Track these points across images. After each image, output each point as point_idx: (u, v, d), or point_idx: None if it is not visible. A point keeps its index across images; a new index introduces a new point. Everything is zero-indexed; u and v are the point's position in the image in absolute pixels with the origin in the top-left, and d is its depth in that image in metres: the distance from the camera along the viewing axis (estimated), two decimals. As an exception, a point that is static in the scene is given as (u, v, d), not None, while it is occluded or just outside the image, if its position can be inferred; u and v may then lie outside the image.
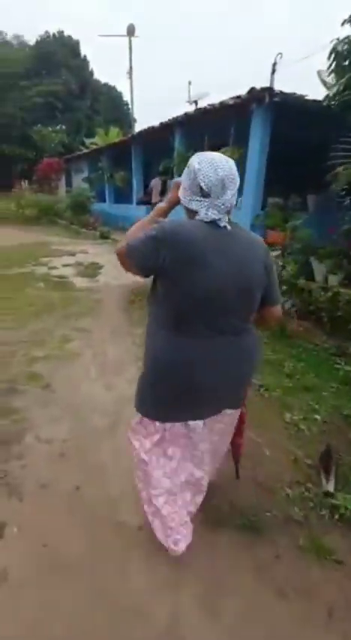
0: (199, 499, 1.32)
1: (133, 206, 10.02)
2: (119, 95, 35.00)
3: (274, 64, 7.32)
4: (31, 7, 44.75)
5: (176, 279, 0.97)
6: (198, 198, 0.98)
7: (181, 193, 1.05)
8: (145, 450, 1.21)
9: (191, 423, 1.15)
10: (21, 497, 1.62)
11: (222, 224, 0.98)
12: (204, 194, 0.96)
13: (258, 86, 4.78)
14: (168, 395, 1.11)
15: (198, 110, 6.00)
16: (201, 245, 0.95)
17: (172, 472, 1.22)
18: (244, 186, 5.81)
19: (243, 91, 5.00)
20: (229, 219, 1.01)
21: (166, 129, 7.38)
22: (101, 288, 5.15)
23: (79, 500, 1.62)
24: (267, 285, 1.09)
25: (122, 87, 33.90)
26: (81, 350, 3.18)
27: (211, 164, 0.95)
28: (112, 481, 1.73)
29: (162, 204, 1.15)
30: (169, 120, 7.04)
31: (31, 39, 28.21)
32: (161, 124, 7.30)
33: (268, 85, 5.67)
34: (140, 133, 8.31)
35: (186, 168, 1.01)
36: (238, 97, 5.16)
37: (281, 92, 4.75)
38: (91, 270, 6.00)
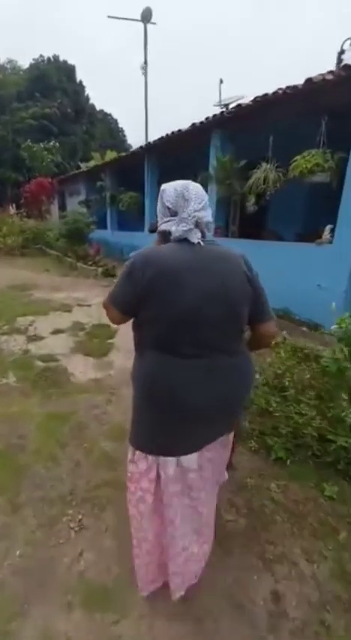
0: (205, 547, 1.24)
1: (144, 234, 7.94)
2: (115, 122, 34.38)
3: (341, 53, 5.57)
4: (27, 34, 44.59)
5: (156, 302, 0.94)
6: (167, 218, 1.02)
7: (158, 224, 1.07)
8: (143, 490, 1.09)
9: (184, 459, 1.04)
10: None
11: (194, 240, 0.96)
12: (172, 213, 1.01)
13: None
14: (158, 418, 1.01)
15: (261, 99, 4.02)
16: (175, 264, 0.94)
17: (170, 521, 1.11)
18: (341, 210, 3.73)
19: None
20: (202, 235, 0.99)
21: (200, 134, 5.41)
22: (118, 382, 2.84)
23: None
24: (254, 299, 1.03)
25: (118, 114, 33.25)
26: None
27: (171, 185, 1.03)
28: None
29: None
30: (206, 119, 5.07)
31: (26, 64, 27.33)
32: (194, 125, 5.32)
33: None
34: (158, 141, 6.35)
35: (158, 200, 1.06)
36: (349, 66, 3.17)
37: None
38: (98, 340, 3.69)
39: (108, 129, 32.77)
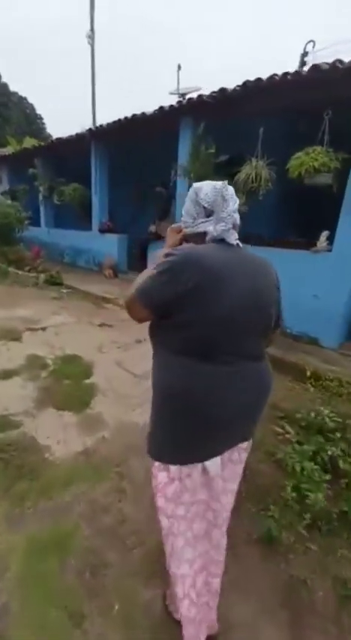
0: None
1: (93, 233, 6.81)
2: (31, 107, 31.00)
3: (304, 54, 5.44)
4: None
5: (197, 304, 0.87)
6: (203, 219, 0.98)
7: (185, 225, 1.04)
8: (167, 501, 1.01)
9: (208, 464, 0.98)
10: None
11: (232, 241, 0.95)
12: (208, 213, 0.97)
13: None
14: (188, 428, 0.95)
15: (253, 84, 3.47)
16: (218, 266, 0.89)
17: (195, 536, 1.05)
18: (342, 215, 3.43)
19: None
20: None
21: (167, 121, 4.66)
22: (121, 450, 1.96)
23: None
24: (278, 306, 1.04)
25: (34, 99, 29.99)
26: None
27: (207, 184, 0.99)
28: None
29: (162, 251, 1.00)
30: (178, 102, 4.34)
31: None
32: (162, 108, 4.53)
33: None
34: (114, 124, 5.34)
35: (186, 200, 1.02)
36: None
37: None
38: (72, 382, 2.66)
39: (24, 114, 29.38)
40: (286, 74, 3.27)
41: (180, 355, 0.92)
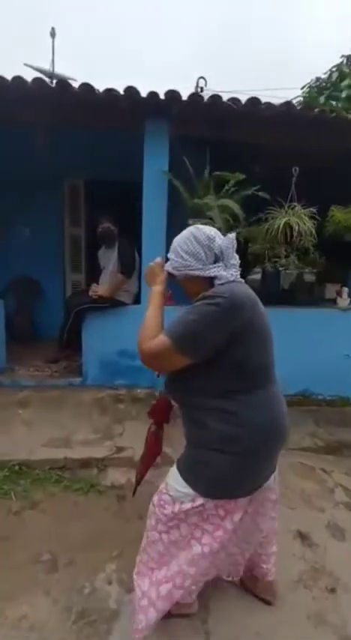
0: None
1: None
2: None
3: (200, 89, 4.92)
4: None
5: (249, 338, 0.98)
6: (212, 264, 1.04)
7: (189, 267, 1.04)
8: (222, 532, 1.07)
9: (265, 484, 1.13)
10: None
11: (242, 280, 1.07)
12: (216, 259, 1.05)
13: None
14: (263, 459, 1.05)
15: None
16: (252, 300, 1.02)
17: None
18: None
19: None
20: None
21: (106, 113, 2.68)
22: None
23: None
24: None
25: None
26: None
27: (216, 231, 1.07)
28: None
29: (158, 288, 1.14)
30: (168, 93, 2.55)
31: None
32: (130, 90, 2.50)
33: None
34: None
35: (191, 243, 1.03)
36: None
37: None
38: None
39: None
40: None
41: (241, 392, 0.99)
